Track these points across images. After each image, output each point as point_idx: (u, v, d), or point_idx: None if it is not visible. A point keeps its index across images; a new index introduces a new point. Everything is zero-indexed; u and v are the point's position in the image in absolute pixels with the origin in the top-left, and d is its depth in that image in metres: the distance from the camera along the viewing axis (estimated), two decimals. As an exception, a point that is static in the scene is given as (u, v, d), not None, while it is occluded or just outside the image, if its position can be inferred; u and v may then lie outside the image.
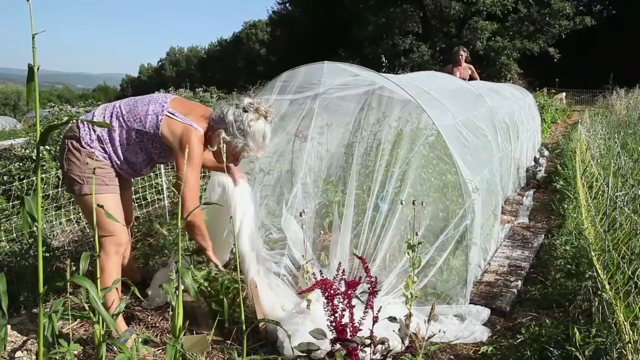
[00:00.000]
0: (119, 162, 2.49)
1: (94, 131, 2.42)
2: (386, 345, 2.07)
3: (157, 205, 4.94)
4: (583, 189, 4.03)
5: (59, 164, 2.56)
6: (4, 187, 5.01)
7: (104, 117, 2.48)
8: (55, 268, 3.35)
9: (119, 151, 2.47)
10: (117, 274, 2.47)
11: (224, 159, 2.05)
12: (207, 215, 2.76)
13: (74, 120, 2.51)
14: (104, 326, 1.91)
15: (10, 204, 4.42)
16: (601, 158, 5.21)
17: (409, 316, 2.33)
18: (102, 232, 2.38)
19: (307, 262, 2.77)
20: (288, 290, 2.77)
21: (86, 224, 4.07)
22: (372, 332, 2.02)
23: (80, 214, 4.26)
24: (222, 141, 2.42)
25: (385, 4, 25.26)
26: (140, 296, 3.01)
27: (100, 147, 2.44)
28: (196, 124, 2.45)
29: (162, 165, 4.86)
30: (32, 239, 3.27)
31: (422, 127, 3.50)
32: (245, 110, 2.43)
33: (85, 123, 2.44)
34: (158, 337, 2.64)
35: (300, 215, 2.88)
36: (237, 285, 2.54)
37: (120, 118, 2.46)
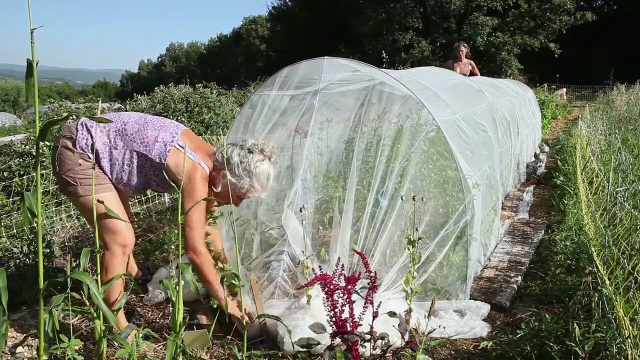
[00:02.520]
0: (111, 178, 2.40)
1: (92, 138, 2.32)
2: (386, 341, 2.08)
3: (157, 202, 4.95)
4: (583, 185, 4.03)
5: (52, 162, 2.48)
6: (4, 183, 5.01)
7: (108, 131, 2.37)
8: (56, 264, 3.36)
9: (116, 169, 2.38)
10: (119, 271, 2.40)
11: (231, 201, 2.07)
12: None
13: (73, 117, 2.48)
14: (105, 322, 1.92)
15: (11, 200, 4.42)
16: (601, 154, 5.21)
17: (409, 311, 2.33)
18: (106, 232, 2.33)
19: (307, 258, 2.77)
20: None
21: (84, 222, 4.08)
22: (372, 327, 2.03)
23: (81, 210, 4.26)
24: (227, 183, 2.40)
25: (386, 0, 25.19)
26: (141, 291, 3.04)
27: (96, 159, 2.34)
28: (204, 163, 2.41)
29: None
30: (32, 235, 3.27)
31: (422, 122, 3.50)
32: (250, 152, 2.42)
33: (84, 126, 2.35)
34: (158, 332, 2.65)
35: (300, 211, 2.88)
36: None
37: (126, 137, 2.37)
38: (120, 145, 2.36)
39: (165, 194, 4.77)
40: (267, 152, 2.46)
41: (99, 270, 2.11)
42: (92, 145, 2.32)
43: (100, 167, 2.36)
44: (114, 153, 2.37)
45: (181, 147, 2.37)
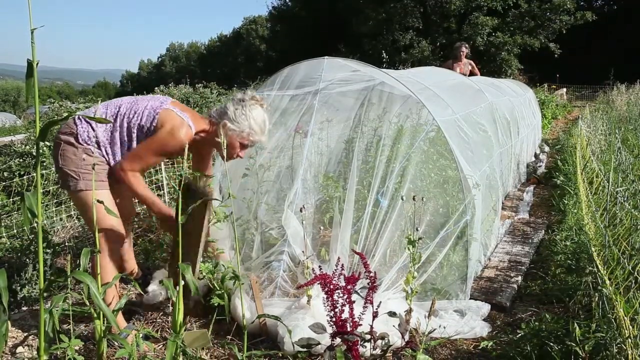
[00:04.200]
0: (116, 161, 2.46)
1: (93, 130, 2.39)
2: (386, 340, 2.08)
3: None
4: (583, 185, 4.03)
5: (53, 159, 2.51)
6: (4, 183, 5.01)
7: (105, 117, 2.46)
8: (56, 264, 3.36)
9: (119, 153, 2.45)
10: (114, 270, 2.45)
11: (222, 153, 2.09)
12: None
13: (72, 116, 2.49)
14: (105, 322, 1.92)
15: (11, 200, 4.42)
16: (602, 154, 5.21)
17: (409, 311, 2.33)
18: (99, 230, 2.34)
19: (307, 258, 2.77)
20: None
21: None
22: (372, 327, 2.03)
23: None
24: (227, 132, 2.49)
25: (386, 0, 25.18)
26: (141, 291, 3.04)
27: (99, 149, 2.42)
28: (191, 122, 2.48)
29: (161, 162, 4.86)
30: (32, 235, 3.27)
31: (422, 122, 3.50)
32: (242, 100, 2.55)
33: (83, 120, 2.41)
34: (159, 332, 2.65)
35: (301, 211, 2.88)
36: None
37: (120, 117, 2.45)
38: (118, 126, 2.44)
39: (165, 194, 4.77)
40: (258, 99, 2.58)
41: (98, 271, 2.12)
42: (95, 136, 2.39)
43: (105, 157, 2.43)
44: (115, 135, 2.44)
45: (169, 109, 2.46)
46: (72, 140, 2.38)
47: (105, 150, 2.44)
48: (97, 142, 2.41)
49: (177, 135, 2.41)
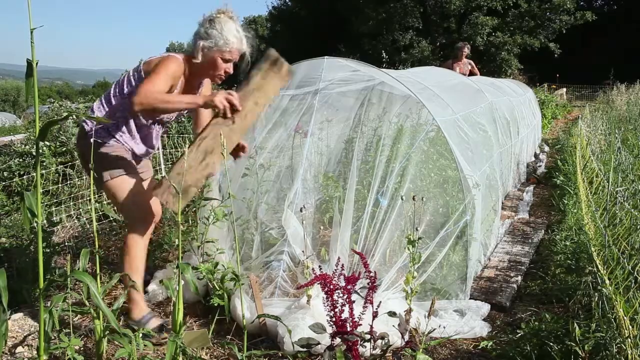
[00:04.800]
0: (128, 141, 2.50)
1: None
2: (386, 340, 2.08)
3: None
4: (583, 185, 4.03)
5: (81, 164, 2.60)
6: (4, 183, 5.01)
7: (102, 107, 2.49)
8: (56, 263, 3.36)
9: (125, 127, 2.48)
10: (143, 259, 2.51)
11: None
12: None
13: (73, 117, 2.53)
14: (105, 321, 1.92)
15: (11, 200, 4.42)
16: (601, 154, 5.20)
17: (408, 311, 2.33)
18: (129, 212, 2.46)
19: (307, 258, 2.77)
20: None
21: (87, 220, 4.08)
22: (372, 327, 2.03)
23: (81, 209, 4.27)
24: (204, 51, 2.43)
25: (386, 0, 25.19)
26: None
27: (107, 136, 2.45)
28: (175, 54, 2.47)
29: (160, 156, 4.86)
30: (32, 235, 3.27)
31: (422, 122, 3.50)
32: (209, 19, 2.46)
33: (87, 121, 2.49)
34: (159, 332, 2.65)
35: (301, 211, 2.88)
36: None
37: (112, 98, 2.47)
38: (115, 102, 2.46)
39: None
40: (225, 12, 2.47)
41: (123, 253, 2.27)
42: (103, 127, 2.43)
43: (116, 137, 2.45)
44: (116, 115, 2.45)
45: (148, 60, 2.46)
46: (84, 137, 2.45)
47: (116, 135, 2.46)
48: (106, 131, 2.44)
49: (166, 60, 2.37)
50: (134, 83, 2.44)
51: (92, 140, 2.37)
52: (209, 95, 2.37)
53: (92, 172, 2.22)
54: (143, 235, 2.50)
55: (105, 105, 2.48)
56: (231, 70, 2.56)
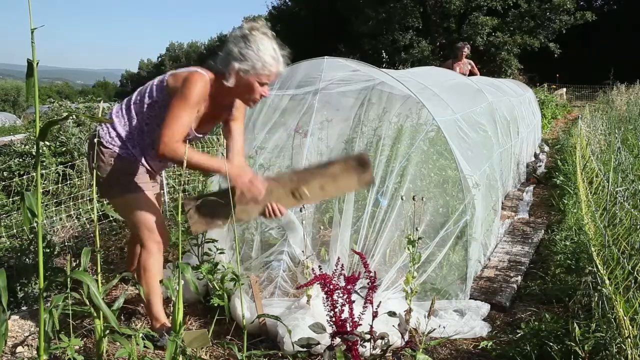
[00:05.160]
0: (144, 154, 2.40)
1: (115, 130, 2.36)
2: (386, 340, 2.08)
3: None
4: (583, 185, 4.03)
5: (87, 169, 2.51)
6: (4, 183, 5.00)
7: (120, 114, 2.41)
8: (56, 264, 3.36)
9: (141, 139, 2.37)
10: (160, 274, 2.44)
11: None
12: None
13: (73, 117, 2.50)
14: (105, 321, 1.92)
15: (11, 199, 4.42)
16: (601, 154, 5.21)
17: (408, 311, 2.34)
18: (143, 230, 2.36)
19: (307, 258, 2.77)
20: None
21: (87, 220, 4.07)
22: (371, 327, 2.03)
23: (81, 209, 4.26)
24: (240, 74, 2.23)
25: (386, 0, 25.18)
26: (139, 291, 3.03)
27: (123, 146, 2.36)
28: (203, 71, 2.31)
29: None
30: (32, 235, 3.27)
31: (422, 122, 3.50)
32: (242, 36, 2.25)
33: (102, 124, 2.39)
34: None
35: (300, 211, 2.88)
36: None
37: (132, 105, 2.39)
38: (134, 116, 2.38)
39: (165, 194, 4.77)
40: (260, 29, 2.26)
41: (140, 272, 2.24)
42: (117, 135, 2.35)
43: (129, 149, 2.36)
44: (132, 126, 2.37)
45: (174, 73, 2.36)
46: (99, 148, 2.33)
47: (131, 146, 2.37)
48: (122, 140, 2.36)
49: (194, 80, 2.23)
50: (155, 95, 2.35)
51: (104, 148, 2.31)
52: (236, 171, 2.27)
53: (102, 185, 2.21)
54: (159, 251, 2.43)
55: (124, 113, 2.40)
56: (267, 93, 2.39)
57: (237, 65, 2.22)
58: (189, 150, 2.15)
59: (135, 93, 2.44)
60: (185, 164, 2.07)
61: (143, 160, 2.41)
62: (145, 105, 2.36)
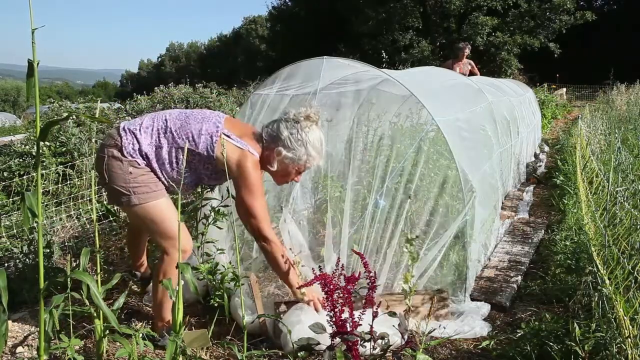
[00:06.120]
0: (163, 179, 2.35)
1: (139, 144, 2.29)
2: (386, 340, 2.08)
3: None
4: (583, 185, 4.02)
5: (96, 174, 2.39)
6: (4, 183, 5.01)
7: (151, 130, 2.33)
8: (56, 264, 3.36)
9: (166, 168, 2.33)
10: (176, 280, 2.41)
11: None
12: None
13: (73, 117, 2.48)
14: (105, 321, 1.92)
15: (11, 200, 4.42)
16: (601, 153, 5.21)
17: (408, 311, 2.34)
18: (165, 238, 2.33)
19: (306, 258, 2.77)
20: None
21: (87, 220, 4.08)
22: (372, 327, 2.03)
23: (81, 209, 4.26)
24: (283, 160, 2.34)
25: (386, 0, 25.19)
26: (139, 291, 3.04)
27: (144, 162, 2.31)
28: (252, 149, 2.34)
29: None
30: (32, 235, 3.27)
31: (422, 122, 3.50)
32: (296, 122, 2.33)
33: (127, 132, 2.31)
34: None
35: (301, 211, 2.88)
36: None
37: (169, 135, 2.32)
38: (165, 143, 2.32)
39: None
40: (313, 118, 2.35)
41: (156, 276, 2.27)
42: (140, 149, 2.28)
43: (152, 170, 2.31)
44: (161, 153, 2.31)
45: (227, 136, 2.31)
46: (116, 153, 2.27)
47: (152, 166, 2.31)
48: (142, 154, 2.29)
49: (253, 170, 2.30)
50: (199, 147, 2.29)
51: (124, 158, 2.26)
52: (310, 289, 2.38)
53: (119, 193, 2.20)
54: (182, 259, 2.32)
55: (153, 132, 2.32)
56: (298, 181, 2.51)
57: (283, 152, 2.32)
58: (282, 257, 2.37)
59: (176, 123, 2.34)
60: (275, 265, 2.38)
61: (161, 181, 2.36)
62: (182, 149, 2.28)
